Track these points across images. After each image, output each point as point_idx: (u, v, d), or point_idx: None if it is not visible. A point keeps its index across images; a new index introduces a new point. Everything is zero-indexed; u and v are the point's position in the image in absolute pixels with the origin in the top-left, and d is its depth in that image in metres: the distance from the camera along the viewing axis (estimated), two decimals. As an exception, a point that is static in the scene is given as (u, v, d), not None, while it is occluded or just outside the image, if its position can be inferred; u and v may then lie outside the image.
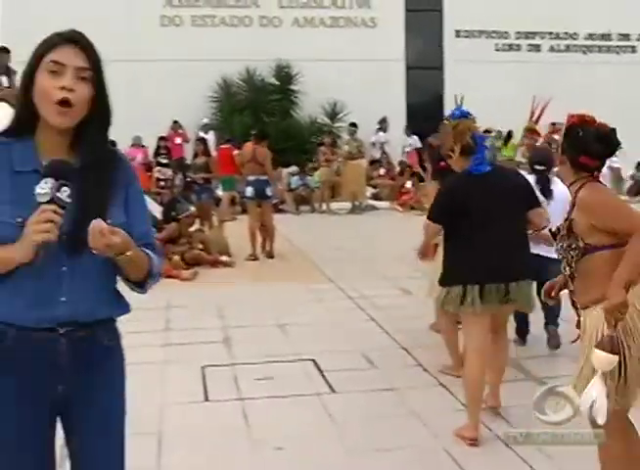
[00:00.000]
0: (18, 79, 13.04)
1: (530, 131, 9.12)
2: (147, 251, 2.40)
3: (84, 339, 2.33)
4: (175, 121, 19.90)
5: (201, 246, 11.34)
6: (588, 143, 3.44)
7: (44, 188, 2.14)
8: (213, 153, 16.24)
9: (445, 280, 4.85)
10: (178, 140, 19.59)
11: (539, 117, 8.89)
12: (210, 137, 18.72)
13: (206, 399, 5.48)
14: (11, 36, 15.25)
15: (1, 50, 12.78)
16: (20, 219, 2.18)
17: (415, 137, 20.74)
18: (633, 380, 3.35)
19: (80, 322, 2.30)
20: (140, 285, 2.44)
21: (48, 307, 2.26)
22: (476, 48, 22.54)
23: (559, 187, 5.85)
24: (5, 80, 12.78)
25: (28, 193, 2.16)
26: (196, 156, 14.92)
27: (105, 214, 2.27)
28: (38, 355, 2.29)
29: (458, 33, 23.05)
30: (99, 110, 2.33)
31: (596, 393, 3.25)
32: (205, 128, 19.73)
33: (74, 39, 2.29)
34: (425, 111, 21.70)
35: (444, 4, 23.00)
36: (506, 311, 5.02)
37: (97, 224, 2.14)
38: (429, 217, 4.89)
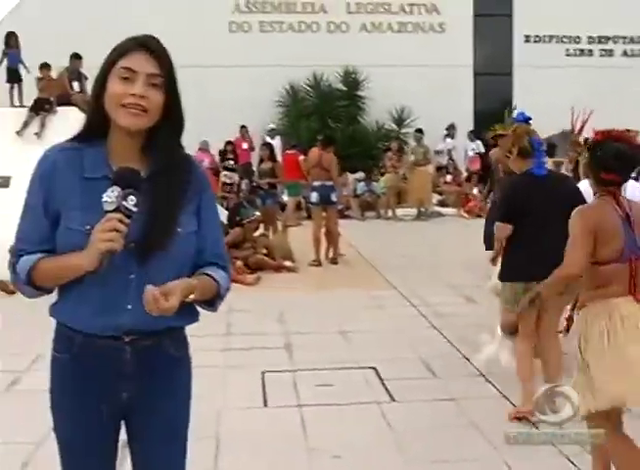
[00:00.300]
0: (89, 85, 13.31)
1: (574, 144, 9.00)
2: (213, 274, 2.37)
3: (150, 348, 2.32)
4: (243, 126, 20.04)
5: (265, 251, 11.39)
6: (607, 160, 3.69)
7: (111, 196, 2.13)
8: (280, 158, 16.32)
9: (507, 276, 5.25)
10: (245, 145, 19.73)
11: (581, 130, 8.75)
12: (277, 142, 18.81)
13: (265, 405, 5.49)
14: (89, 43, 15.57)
15: (74, 56, 13.09)
16: (88, 227, 2.17)
17: (478, 142, 20.52)
18: (600, 379, 3.56)
19: (146, 331, 2.28)
20: (209, 304, 2.42)
21: (113, 315, 2.25)
22: (546, 53, 22.21)
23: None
24: (76, 85, 13.08)
25: (98, 200, 2.15)
26: (261, 161, 14.98)
27: (175, 222, 2.27)
28: (103, 363, 2.30)
29: (528, 38, 22.76)
30: (171, 115, 2.29)
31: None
32: (272, 133, 19.84)
33: (147, 45, 2.25)
34: (493, 117, 21.34)
35: (514, 9, 22.71)
36: (559, 303, 4.99)
37: (149, 291, 2.12)
38: (499, 219, 5.26)
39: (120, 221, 2.12)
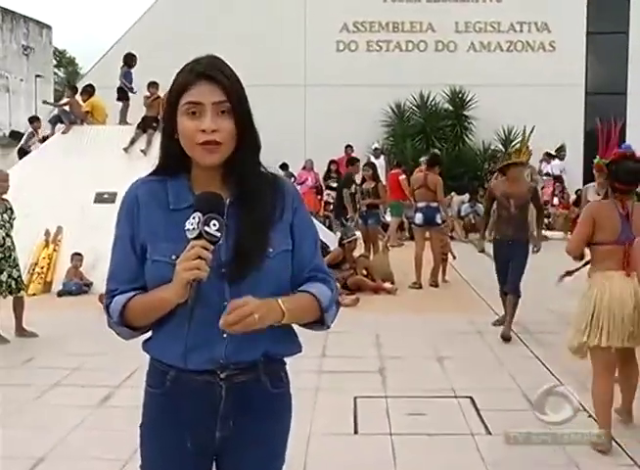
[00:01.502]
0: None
1: (597, 168, 8.32)
2: (310, 290, 2.23)
3: (246, 385, 2.20)
4: (348, 146, 20.00)
5: (364, 271, 11.26)
6: (618, 174, 5.06)
7: (192, 223, 2.04)
8: (383, 177, 16.17)
9: None
10: (349, 165, 19.66)
11: (606, 149, 7.70)
12: (381, 162, 18.70)
13: (356, 432, 5.34)
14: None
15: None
16: (174, 257, 2.08)
17: (556, 162, 19.80)
18: (604, 320, 4.91)
19: (243, 361, 2.18)
20: (319, 323, 2.28)
21: (208, 345, 2.15)
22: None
23: None
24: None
25: (183, 230, 2.06)
26: (363, 181, 14.88)
27: (265, 242, 2.17)
28: (197, 401, 2.19)
29: (644, 57, 22.02)
30: (244, 139, 2.18)
31: None
32: (376, 153, 19.74)
33: (206, 73, 2.13)
34: (605, 138, 20.77)
35: (630, 26, 22.01)
36: None
37: (225, 318, 2.03)
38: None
39: (204, 248, 2.02)
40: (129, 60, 14.37)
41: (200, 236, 2.03)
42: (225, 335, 2.13)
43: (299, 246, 2.27)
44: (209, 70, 2.15)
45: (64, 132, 13.51)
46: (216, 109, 2.12)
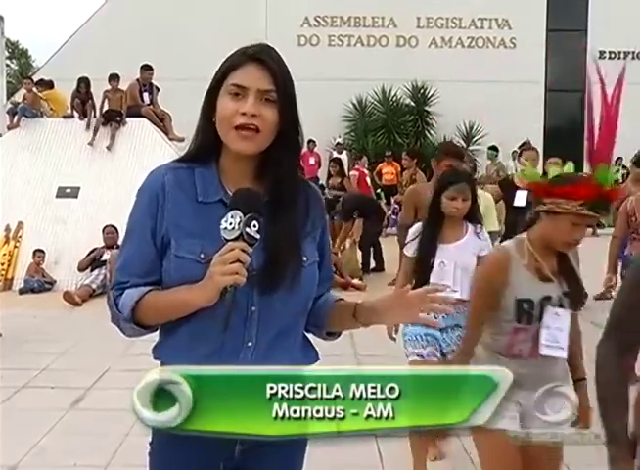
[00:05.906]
0: (159, 97, 13.23)
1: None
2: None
3: None
4: (310, 140, 19.89)
5: (332, 268, 11.16)
6: None
7: (232, 223, 1.86)
8: (347, 172, 16.07)
9: None
10: (312, 160, 19.54)
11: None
12: (344, 157, 18.62)
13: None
14: (158, 55, 15.63)
15: (144, 67, 13.05)
16: (202, 256, 1.94)
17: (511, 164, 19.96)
18: None
19: None
20: (332, 333, 2.24)
21: (231, 355, 1.97)
22: (620, 70, 21.64)
23: None
24: (147, 97, 13.03)
25: (213, 226, 1.90)
26: (330, 176, 14.78)
27: (300, 249, 2.03)
28: None
29: (602, 54, 22.23)
30: (285, 133, 2.03)
31: None
32: (339, 148, 19.66)
33: (259, 57, 2.00)
34: (564, 135, 21.03)
35: (589, 24, 22.24)
36: None
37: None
38: None
39: (243, 251, 1.86)
40: (80, 84, 13.11)
41: (239, 237, 1.86)
42: (250, 343, 1.99)
43: (323, 258, 2.16)
44: (261, 54, 2.01)
45: (11, 127, 12.93)
46: (261, 96, 1.98)
